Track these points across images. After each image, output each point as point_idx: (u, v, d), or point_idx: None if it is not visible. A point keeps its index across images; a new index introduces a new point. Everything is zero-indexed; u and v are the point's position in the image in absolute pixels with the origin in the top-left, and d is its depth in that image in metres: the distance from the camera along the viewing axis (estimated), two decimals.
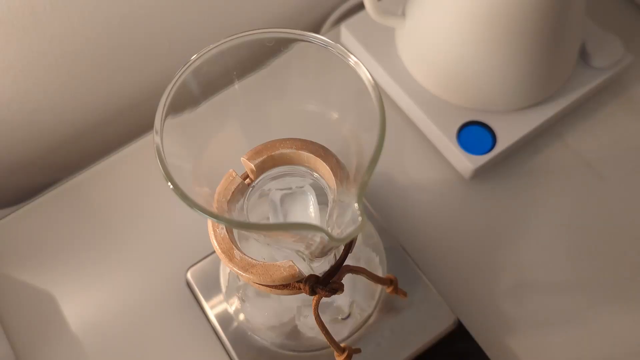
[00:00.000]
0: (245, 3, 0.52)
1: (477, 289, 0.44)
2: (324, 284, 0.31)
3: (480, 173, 0.47)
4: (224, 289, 0.41)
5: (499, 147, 0.46)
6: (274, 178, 0.32)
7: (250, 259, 0.29)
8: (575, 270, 0.45)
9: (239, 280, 0.40)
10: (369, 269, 0.35)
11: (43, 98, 0.47)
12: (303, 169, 0.31)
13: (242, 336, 0.41)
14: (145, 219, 0.47)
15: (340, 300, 0.40)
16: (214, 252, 0.41)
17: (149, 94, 0.53)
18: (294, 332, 0.40)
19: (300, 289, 0.31)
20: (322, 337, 0.34)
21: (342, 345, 0.35)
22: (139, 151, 0.49)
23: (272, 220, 0.31)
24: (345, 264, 0.32)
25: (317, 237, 0.26)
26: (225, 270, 0.41)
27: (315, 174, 0.31)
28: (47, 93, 0.47)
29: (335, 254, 0.32)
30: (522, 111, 0.47)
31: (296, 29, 0.27)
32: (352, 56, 0.26)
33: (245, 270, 0.29)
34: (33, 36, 0.42)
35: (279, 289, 0.31)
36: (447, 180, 0.48)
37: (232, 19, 0.52)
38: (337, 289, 0.32)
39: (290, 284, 0.31)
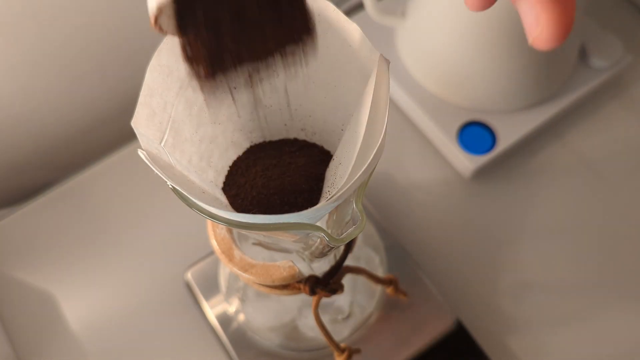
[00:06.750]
0: None
1: (477, 288, 0.44)
2: (324, 284, 0.31)
3: (480, 173, 0.47)
4: (223, 289, 0.41)
5: (499, 147, 0.46)
6: None
7: (250, 260, 0.29)
8: (575, 270, 0.45)
9: (239, 281, 0.40)
10: (369, 269, 0.35)
11: (44, 98, 0.47)
12: None
13: (242, 336, 0.41)
14: (145, 219, 0.47)
15: (340, 300, 0.40)
16: (213, 252, 0.41)
17: None
18: (294, 333, 0.40)
19: (300, 289, 0.31)
20: (322, 337, 0.34)
21: (342, 345, 0.35)
22: None
23: None
24: (345, 264, 0.32)
25: (317, 237, 0.26)
26: (225, 270, 0.41)
27: None
28: (48, 93, 0.47)
29: (335, 254, 0.32)
30: (522, 111, 0.47)
31: None
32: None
33: (245, 271, 0.29)
34: (34, 38, 0.42)
35: (279, 289, 0.31)
36: (447, 180, 0.48)
37: None
38: (337, 289, 0.32)
39: (290, 284, 0.31)
